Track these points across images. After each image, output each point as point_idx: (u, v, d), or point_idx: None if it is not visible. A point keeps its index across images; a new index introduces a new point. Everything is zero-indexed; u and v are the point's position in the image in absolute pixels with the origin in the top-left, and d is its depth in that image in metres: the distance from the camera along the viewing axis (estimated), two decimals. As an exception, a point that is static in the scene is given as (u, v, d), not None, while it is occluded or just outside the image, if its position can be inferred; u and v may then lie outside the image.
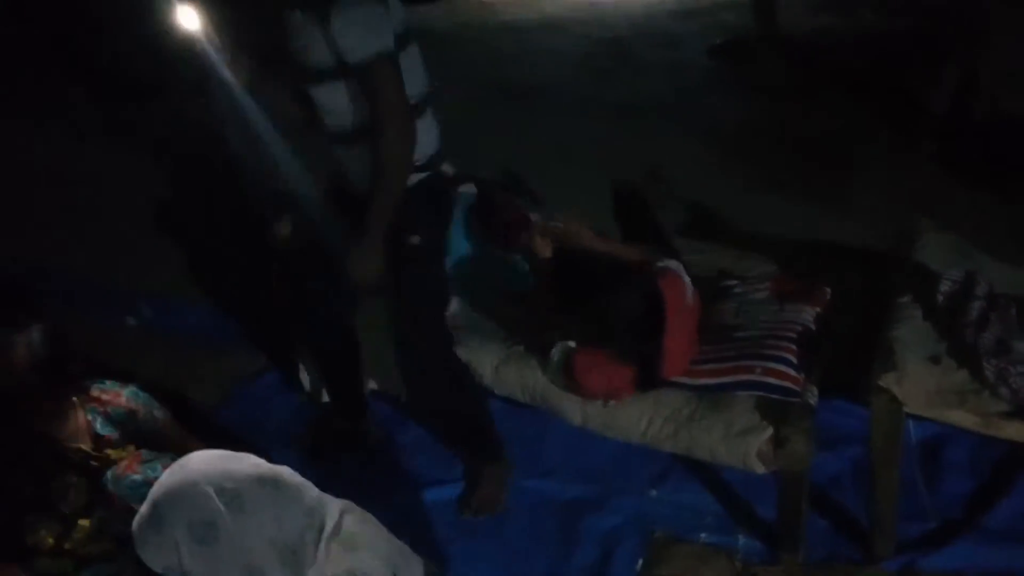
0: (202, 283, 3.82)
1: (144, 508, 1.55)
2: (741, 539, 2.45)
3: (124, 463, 2.12)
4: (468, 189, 3.27)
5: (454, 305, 2.95)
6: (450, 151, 2.50)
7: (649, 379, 2.41)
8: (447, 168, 2.48)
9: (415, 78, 2.26)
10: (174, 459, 1.84)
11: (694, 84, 5.49)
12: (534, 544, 2.53)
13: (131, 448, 2.19)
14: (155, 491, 1.56)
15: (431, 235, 2.43)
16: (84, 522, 2.07)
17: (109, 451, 2.15)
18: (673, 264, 2.52)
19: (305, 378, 3.08)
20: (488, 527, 2.56)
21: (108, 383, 2.25)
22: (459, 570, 2.41)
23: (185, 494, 1.52)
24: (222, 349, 3.42)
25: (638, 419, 2.37)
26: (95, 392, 2.21)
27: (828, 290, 2.61)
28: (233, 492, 1.53)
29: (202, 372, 3.28)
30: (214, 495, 1.51)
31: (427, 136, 2.31)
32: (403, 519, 1.81)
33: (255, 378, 3.26)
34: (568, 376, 2.43)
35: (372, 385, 3.02)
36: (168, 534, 1.50)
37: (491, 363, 2.63)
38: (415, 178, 2.31)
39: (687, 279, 2.49)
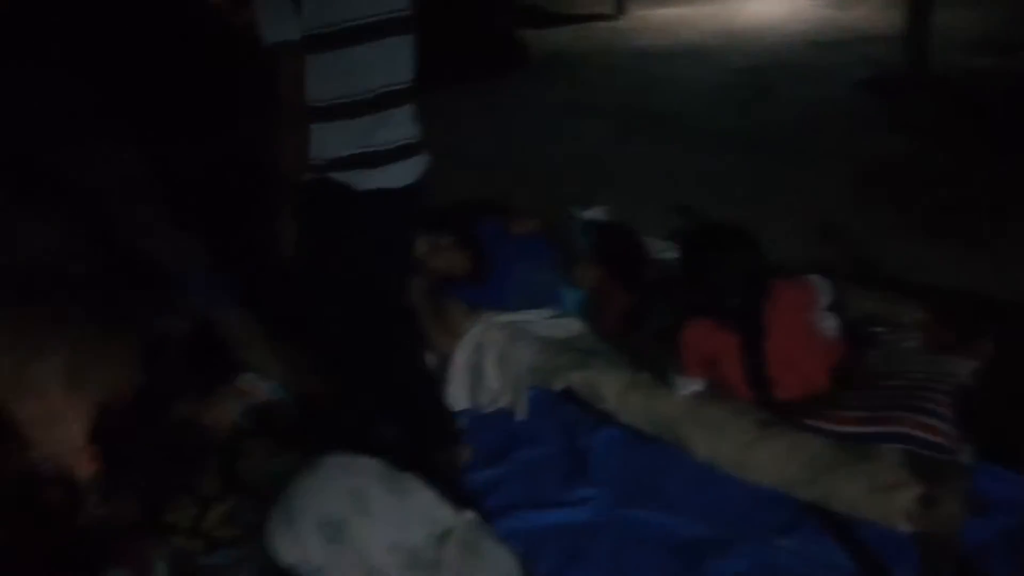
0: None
1: (279, 502, 1.60)
2: (876, 601, 2.30)
3: (258, 455, 2.18)
4: (596, 215, 3.28)
5: (577, 326, 2.94)
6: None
7: (754, 356, 2.38)
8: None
9: (326, 83, 2.23)
10: (304, 455, 1.88)
11: (838, 119, 5.31)
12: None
13: (265, 440, 2.26)
14: (289, 489, 1.60)
15: (311, 234, 2.35)
16: (219, 507, 2.14)
17: (245, 441, 2.22)
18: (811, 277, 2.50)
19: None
20: (602, 553, 2.49)
21: (250, 376, 2.33)
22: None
23: (317, 494, 1.57)
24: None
25: (774, 460, 2.27)
26: (238, 384, 2.29)
27: (990, 345, 2.44)
28: (362, 495, 1.56)
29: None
30: (345, 497, 1.55)
31: (329, 140, 2.27)
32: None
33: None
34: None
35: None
36: (298, 530, 1.55)
37: (615, 389, 2.58)
38: (311, 176, 2.28)
39: (821, 298, 2.45)
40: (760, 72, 6.16)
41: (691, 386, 2.49)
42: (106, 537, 2.19)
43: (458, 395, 2.93)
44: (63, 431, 2.34)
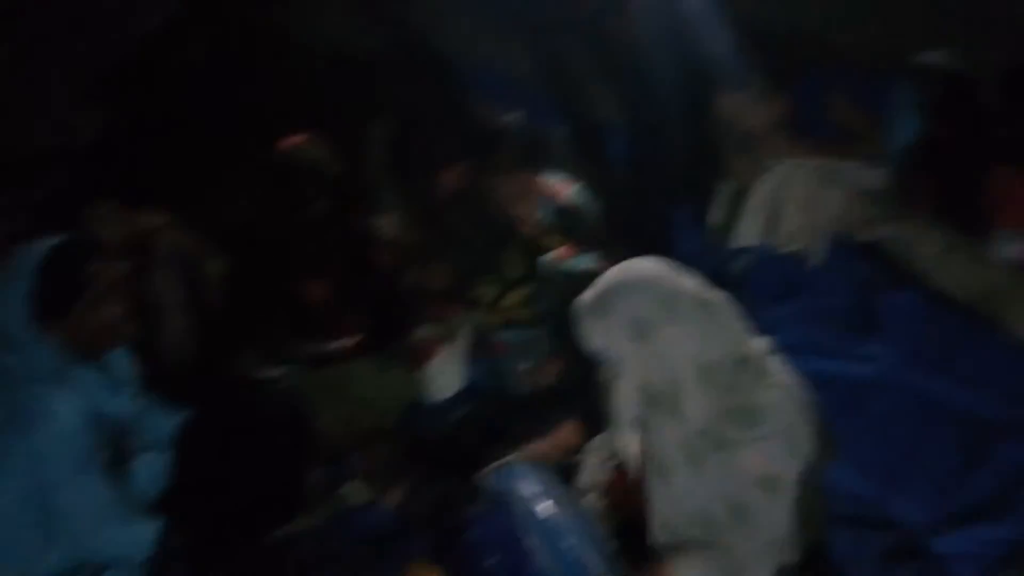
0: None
1: (591, 294, 1.69)
2: None
3: (560, 250, 2.31)
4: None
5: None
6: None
7: None
8: None
9: None
10: (601, 257, 1.94)
11: None
12: (921, 450, 2.33)
13: (565, 239, 2.37)
14: (605, 280, 1.69)
15: None
16: (520, 289, 2.33)
17: (547, 236, 2.35)
18: None
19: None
20: (881, 412, 2.39)
21: (559, 176, 2.42)
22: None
23: (632, 291, 1.64)
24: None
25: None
26: (546, 181, 2.39)
27: None
28: (673, 301, 1.61)
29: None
30: (656, 302, 1.60)
31: None
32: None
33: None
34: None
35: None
36: (610, 321, 1.64)
37: (932, 247, 2.38)
38: None
39: None
40: None
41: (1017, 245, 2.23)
42: (420, 299, 2.48)
43: (750, 230, 2.85)
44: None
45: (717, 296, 1.66)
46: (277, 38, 3.75)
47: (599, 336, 1.66)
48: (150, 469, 1.92)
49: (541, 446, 2.12)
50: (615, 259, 2.34)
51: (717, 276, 2.26)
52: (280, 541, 1.39)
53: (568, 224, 2.37)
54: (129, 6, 3.59)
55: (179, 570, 1.41)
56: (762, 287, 2.75)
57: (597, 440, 2.08)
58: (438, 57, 4.01)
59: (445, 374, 2.45)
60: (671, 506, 1.64)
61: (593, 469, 2.03)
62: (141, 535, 1.71)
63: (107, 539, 1.73)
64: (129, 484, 1.85)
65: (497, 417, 2.30)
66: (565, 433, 2.14)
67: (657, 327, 1.60)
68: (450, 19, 3.86)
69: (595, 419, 2.04)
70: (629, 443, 1.72)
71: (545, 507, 1.79)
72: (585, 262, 2.28)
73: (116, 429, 1.86)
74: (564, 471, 2.01)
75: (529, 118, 2.43)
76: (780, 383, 1.64)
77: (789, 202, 2.76)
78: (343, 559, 1.40)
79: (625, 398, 1.67)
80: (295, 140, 2.31)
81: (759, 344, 1.70)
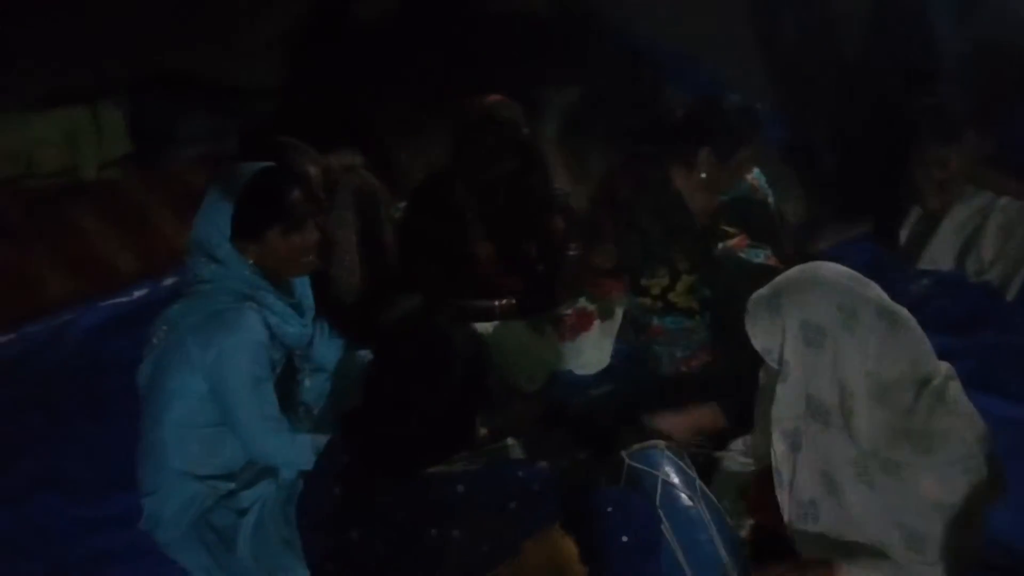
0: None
1: (766, 290, 1.65)
2: None
3: (734, 241, 2.27)
4: None
5: None
6: None
7: None
8: None
9: None
10: (775, 252, 1.88)
11: None
12: None
13: (741, 227, 2.34)
14: (783, 278, 1.64)
15: None
16: (688, 278, 2.31)
17: (724, 227, 2.32)
18: None
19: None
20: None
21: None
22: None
23: (810, 293, 1.58)
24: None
25: None
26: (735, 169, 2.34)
27: None
28: (851, 311, 1.54)
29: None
30: (834, 310, 1.54)
31: None
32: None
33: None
34: None
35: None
36: (781, 321, 1.59)
37: None
38: None
39: None
40: None
41: None
42: (583, 273, 2.50)
43: (942, 253, 2.70)
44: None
45: (902, 310, 1.58)
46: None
47: (768, 335, 1.61)
48: (317, 389, 2.05)
49: (675, 419, 2.09)
50: (787, 257, 2.33)
51: (894, 295, 2.18)
52: (434, 478, 1.45)
53: (737, 212, 2.32)
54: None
55: (334, 487, 1.50)
56: (943, 313, 2.61)
57: (740, 441, 2.05)
58: (626, 35, 4.00)
59: (596, 349, 2.47)
60: (843, 522, 1.59)
61: (734, 469, 2.00)
62: (302, 448, 1.83)
63: (272, 446, 1.87)
64: (297, 400, 1.99)
65: (641, 399, 2.30)
66: (702, 414, 2.10)
67: (833, 335, 1.54)
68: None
69: (741, 417, 2.01)
70: (779, 453, 1.66)
71: (685, 496, 1.78)
72: (760, 256, 2.23)
73: (291, 350, 1.99)
74: (704, 466, 1.99)
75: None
76: (961, 410, 1.55)
77: (989, 231, 2.60)
78: (488, 508, 1.45)
79: (787, 404, 1.61)
80: (493, 98, 2.35)
81: (942, 368, 1.61)
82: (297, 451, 1.85)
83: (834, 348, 1.54)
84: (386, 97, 3.59)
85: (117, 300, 2.86)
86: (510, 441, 1.88)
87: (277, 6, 3.94)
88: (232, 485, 1.90)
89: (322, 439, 1.63)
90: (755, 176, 2.37)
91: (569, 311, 2.46)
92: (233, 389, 1.80)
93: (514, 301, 2.49)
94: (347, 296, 2.43)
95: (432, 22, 3.99)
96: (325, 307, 2.14)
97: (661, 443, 1.89)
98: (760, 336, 1.63)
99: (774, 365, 1.63)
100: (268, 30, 3.88)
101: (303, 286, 2.06)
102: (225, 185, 1.88)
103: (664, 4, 3.84)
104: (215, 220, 1.85)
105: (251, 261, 1.87)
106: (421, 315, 2.14)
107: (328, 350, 2.14)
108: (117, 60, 3.60)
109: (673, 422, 2.09)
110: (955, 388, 1.58)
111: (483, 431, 1.53)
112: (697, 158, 2.24)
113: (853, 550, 1.59)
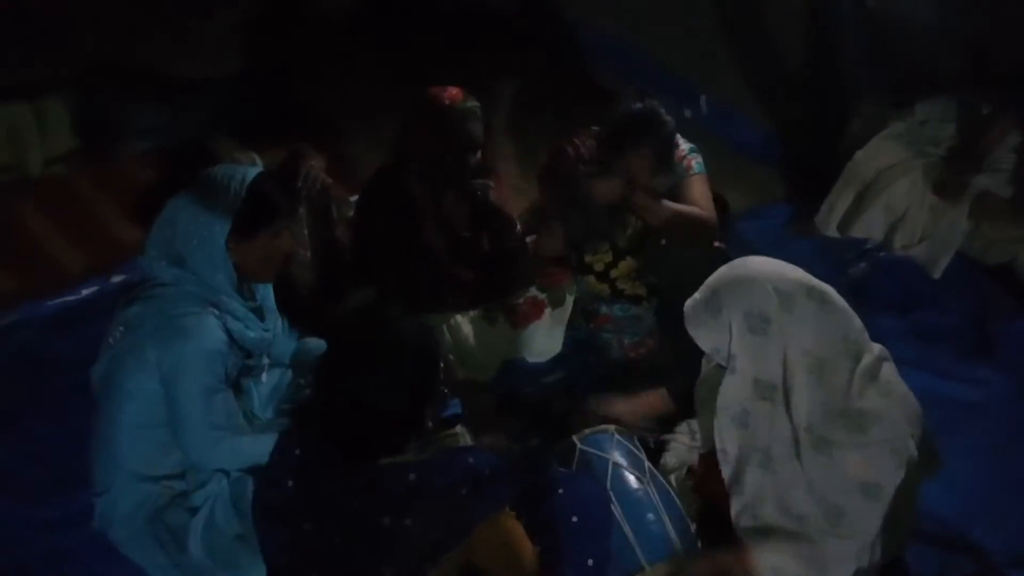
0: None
1: (701, 293, 1.71)
2: None
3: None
4: None
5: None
6: None
7: None
8: None
9: None
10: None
11: None
12: (1018, 482, 2.26)
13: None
14: (715, 279, 1.70)
15: None
16: (630, 260, 2.37)
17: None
18: None
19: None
20: (986, 440, 2.33)
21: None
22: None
23: (746, 286, 1.64)
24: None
25: None
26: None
27: None
28: (787, 294, 1.61)
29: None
30: (772, 294, 1.61)
31: None
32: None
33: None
34: None
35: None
36: (724, 318, 1.65)
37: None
38: None
39: None
40: None
41: None
42: (531, 262, 2.54)
43: (875, 223, 2.80)
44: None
45: (829, 289, 1.65)
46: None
47: (714, 334, 1.67)
48: (272, 383, 2.05)
49: (625, 405, 2.16)
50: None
51: (835, 279, 2.26)
52: (386, 468, 1.47)
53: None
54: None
55: (287, 479, 1.51)
56: (881, 294, 2.71)
57: (685, 424, 2.11)
58: (572, 25, 4.04)
59: (547, 337, 2.51)
60: (767, 495, 1.66)
61: (680, 451, 2.06)
62: (255, 448, 1.81)
63: (213, 456, 1.86)
64: (252, 395, 1.99)
65: (591, 386, 2.35)
66: (650, 399, 2.17)
67: (774, 319, 1.60)
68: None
69: (688, 400, 2.07)
70: (726, 435, 1.72)
71: (634, 478, 1.83)
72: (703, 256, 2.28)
73: (249, 352, 1.98)
74: (652, 449, 2.05)
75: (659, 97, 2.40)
76: (893, 391, 1.62)
77: (920, 203, 2.69)
78: (440, 495, 1.48)
79: (735, 392, 1.67)
80: (453, 92, 2.35)
81: (875, 349, 1.68)
82: (238, 460, 1.85)
83: (779, 331, 1.60)
84: (339, 89, 3.58)
85: (65, 299, 2.81)
86: (459, 429, 1.91)
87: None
88: (185, 485, 1.90)
89: (268, 440, 1.63)
90: (688, 154, 2.40)
91: (521, 300, 2.50)
92: (185, 396, 1.80)
93: (467, 292, 2.52)
94: (301, 290, 2.44)
95: (384, 13, 3.98)
96: (281, 302, 2.14)
97: (611, 427, 1.95)
98: (706, 337, 1.69)
99: (723, 362, 1.69)
100: (219, 21, 3.84)
101: (265, 289, 2.05)
102: (214, 189, 1.83)
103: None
104: (208, 223, 1.81)
105: (234, 261, 1.85)
106: (374, 308, 2.15)
107: (285, 345, 2.14)
108: (62, 53, 3.53)
109: (623, 408, 2.16)
110: (888, 369, 1.65)
111: (430, 423, 1.55)
112: (634, 152, 2.28)
113: (772, 527, 1.66)
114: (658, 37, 3.96)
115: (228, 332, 1.87)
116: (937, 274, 2.70)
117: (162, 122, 3.41)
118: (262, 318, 2.00)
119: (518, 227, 2.61)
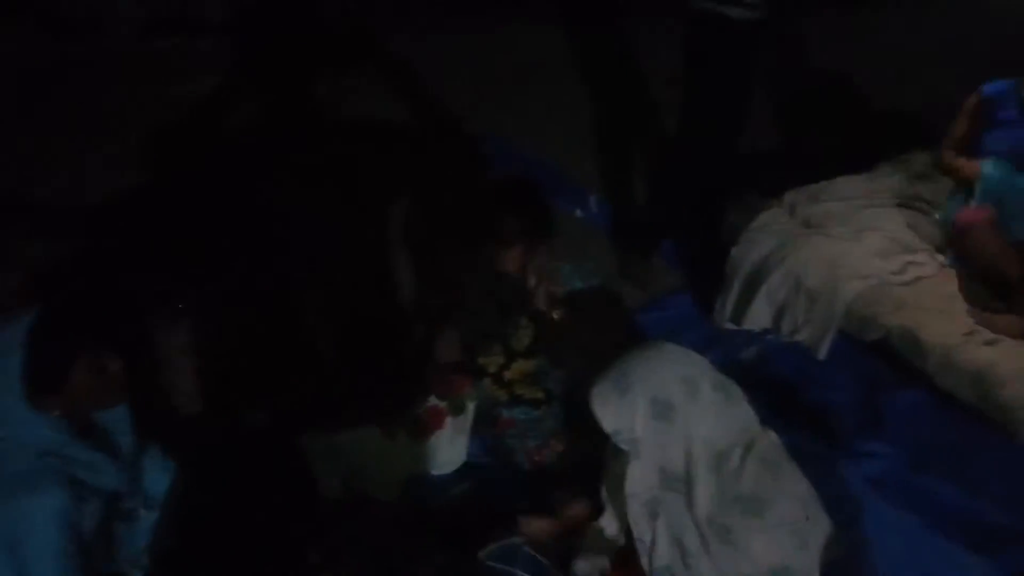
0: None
1: (612, 373, 1.71)
2: None
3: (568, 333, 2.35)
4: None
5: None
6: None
7: None
8: None
9: None
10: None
11: None
12: (921, 555, 2.29)
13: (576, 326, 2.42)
14: (627, 362, 1.71)
15: None
16: (525, 363, 2.36)
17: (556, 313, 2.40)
18: None
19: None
20: (883, 514, 2.35)
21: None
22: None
23: (655, 373, 1.65)
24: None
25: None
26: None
27: None
28: (694, 384, 1.63)
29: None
30: (679, 383, 1.62)
31: None
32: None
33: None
34: None
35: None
36: (631, 401, 1.65)
37: (941, 343, 2.40)
38: None
39: None
40: None
41: None
42: (428, 370, 2.50)
43: (762, 313, 2.89)
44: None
45: (732, 383, 1.69)
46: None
47: (619, 416, 1.67)
48: (142, 527, 1.87)
49: (546, 523, 2.10)
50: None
51: (727, 366, 2.31)
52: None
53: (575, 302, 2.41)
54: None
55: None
56: (771, 377, 2.77)
57: (602, 520, 2.07)
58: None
59: (450, 447, 2.45)
60: None
61: (592, 556, 2.00)
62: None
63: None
64: (126, 543, 1.82)
65: (500, 494, 2.29)
66: (571, 511, 2.11)
67: (678, 408, 1.61)
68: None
69: (599, 499, 2.03)
70: (640, 522, 1.68)
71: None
72: (600, 345, 2.30)
73: (107, 497, 1.79)
74: (565, 553, 1.99)
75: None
76: (786, 474, 1.64)
77: (803, 288, 2.79)
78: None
79: (641, 479, 1.66)
80: None
81: (768, 434, 1.71)
82: None
83: (683, 420, 1.61)
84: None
85: None
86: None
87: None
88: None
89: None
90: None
91: (420, 411, 2.44)
92: (34, 558, 1.59)
93: (363, 407, 2.45)
94: (177, 413, 2.31)
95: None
96: (155, 430, 1.98)
97: (518, 539, 1.88)
98: (610, 418, 1.68)
99: (624, 446, 1.68)
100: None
101: (118, 418, 1.86)
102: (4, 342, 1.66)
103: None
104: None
105: (56, 414, 1.67)
106: (257, 431, 2.05)
107: (155, 480, 1.92)
108: None
109: (540, 527, 2.10)
110: (779, 453, 1.67)
111: (315, 557, 1.45)
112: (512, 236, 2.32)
113: None
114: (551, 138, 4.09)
115: (77, 481, 1.68)
116: (822, 355, 2.79)
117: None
118: (116, 455, 1.82)
119: (411, 334, 2.58)
